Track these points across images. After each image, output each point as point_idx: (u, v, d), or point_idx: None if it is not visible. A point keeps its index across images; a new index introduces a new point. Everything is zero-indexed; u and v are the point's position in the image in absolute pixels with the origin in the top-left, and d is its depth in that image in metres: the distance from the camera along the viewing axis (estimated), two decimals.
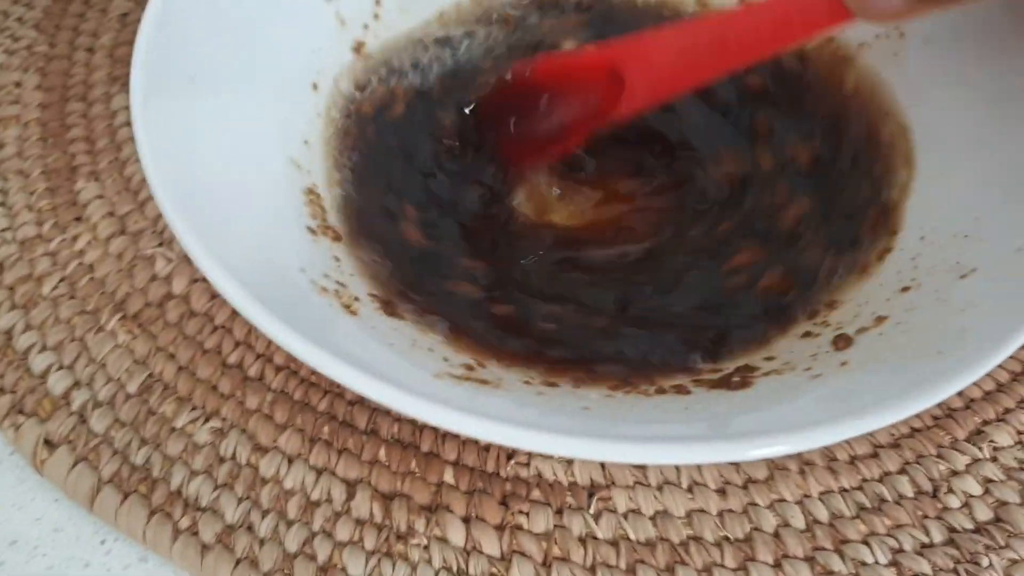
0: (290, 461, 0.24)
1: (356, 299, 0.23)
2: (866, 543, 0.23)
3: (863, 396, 0.19)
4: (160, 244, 0.28)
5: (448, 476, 0.24)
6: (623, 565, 0.23)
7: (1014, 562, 0.23)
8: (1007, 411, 0.26)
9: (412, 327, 0.23)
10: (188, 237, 0.19)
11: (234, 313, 0.27)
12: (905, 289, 0.24)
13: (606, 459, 0.18)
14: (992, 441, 0.25)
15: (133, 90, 0.23)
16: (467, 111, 0.31)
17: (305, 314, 0.20)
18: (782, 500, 0.24)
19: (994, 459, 0.25)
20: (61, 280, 0.27)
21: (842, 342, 0.23)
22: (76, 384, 0.25)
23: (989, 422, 0.26)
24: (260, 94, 0.27)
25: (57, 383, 0.25)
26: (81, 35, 0.35)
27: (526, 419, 0.18)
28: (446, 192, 0.29)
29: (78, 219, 0.29)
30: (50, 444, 0.24)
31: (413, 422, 0.25)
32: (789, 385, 0.21)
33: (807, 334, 0.24)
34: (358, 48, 0.31)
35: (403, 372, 0.20)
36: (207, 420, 0.25)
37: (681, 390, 0.22)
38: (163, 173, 0.21)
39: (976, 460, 0.25)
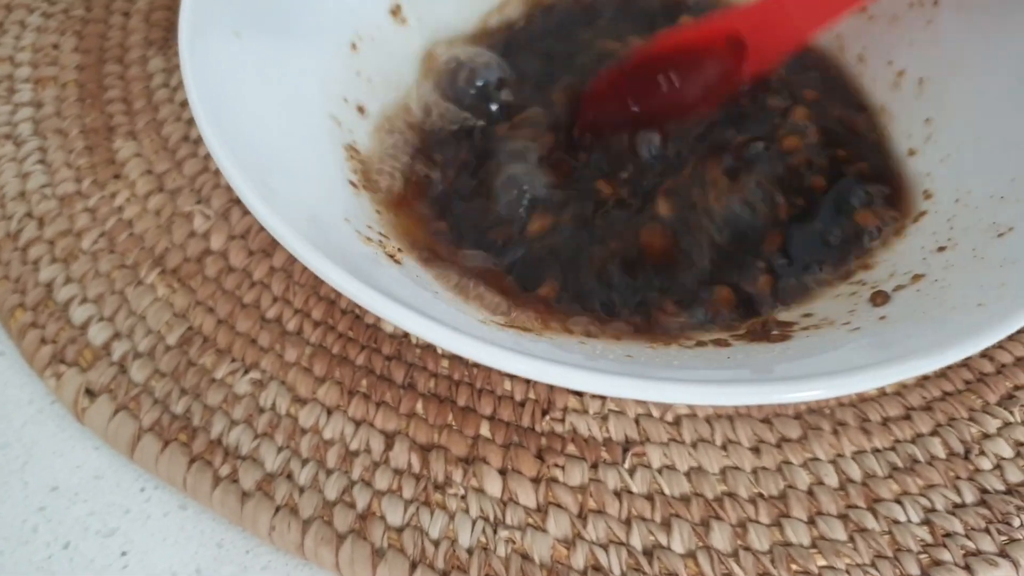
0: (329, 412, 0.24)
1: (399, 250, 0.23)
2: (899, 502, 0.23)
3: (904, 344, 0.19)
4: (198, 202, 0.29)
5: (484, 430, 0.24)
6: (658, 519, 0.23)
7: None
8: None
9: (453, 277, 0.23)
10: (245, 188, 0.20)
11: (272, 269, 0.27)
12: (941, 249, 0.24)
13: (653, 399, 0.18)
14: (1023, 406, 0.25)
15: (181, 45, 0.23)
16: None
17: (354, 261, 0.21)
18: (815, 459, 0.24)
19: None
20: (100, 235, 0.28)
21: (880, 298, 0.23)
22: (116, 335, 0.26)
23: (1021, 387, 0.26)
24: (300, 52, 0.27)
25: (97, 334, 0.26)
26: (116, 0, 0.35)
27: (575, 361, 0.18)
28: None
29: (116, 177, 0.29)
30: (91, 393, 0.25)
31: (449, 377, 0.25)
32: (828, 337, 0.21)
33: (843, 294, 0.24)
34: (395, 11, 0.31)
35: (451, 317, 0.20)
36: (247, 372, 0.25)
37: (721, 343, 0.22)
38: (214, 122, 0.21)
39: (1007, 424, 0.25)
